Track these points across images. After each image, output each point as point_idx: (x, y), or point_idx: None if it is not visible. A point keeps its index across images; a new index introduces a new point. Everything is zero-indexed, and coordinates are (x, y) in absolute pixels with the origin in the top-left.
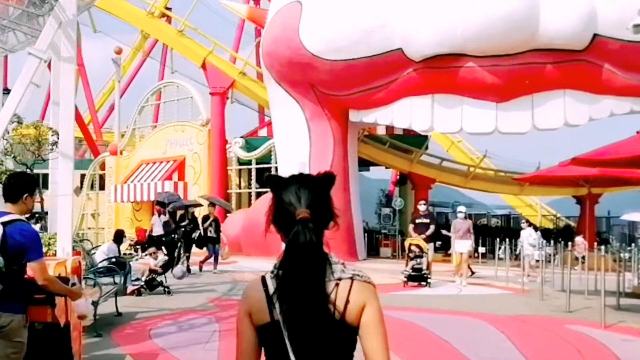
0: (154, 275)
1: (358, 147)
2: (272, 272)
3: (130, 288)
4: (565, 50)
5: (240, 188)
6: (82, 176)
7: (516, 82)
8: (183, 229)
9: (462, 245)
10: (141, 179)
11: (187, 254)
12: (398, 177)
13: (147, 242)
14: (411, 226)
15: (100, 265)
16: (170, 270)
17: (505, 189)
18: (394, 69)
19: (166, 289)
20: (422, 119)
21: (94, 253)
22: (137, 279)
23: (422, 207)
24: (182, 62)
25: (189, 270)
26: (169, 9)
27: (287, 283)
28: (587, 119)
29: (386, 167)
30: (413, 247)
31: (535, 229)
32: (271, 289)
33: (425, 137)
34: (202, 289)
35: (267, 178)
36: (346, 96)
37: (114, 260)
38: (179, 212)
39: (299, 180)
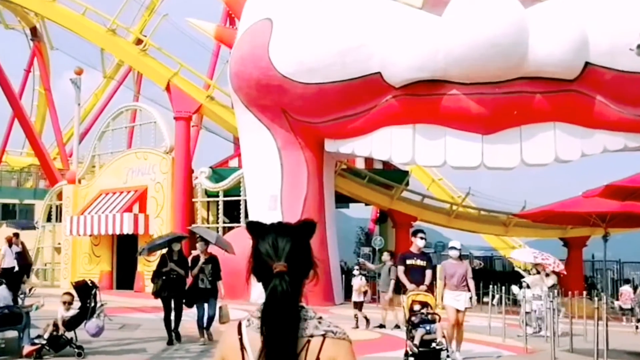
0: (59, 332)
1: (335, 180)
2: (247, 320)
3: (27, 348)
4: (556, 79)
5: (208, 222)
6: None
7: (503, 112)
8: (165, 277)
9: (457, 298)
10: (99, 211)
11: (177, 314)
12: (378, 214)
13: None
14: (400, 269)
15: None
16: (83, 323)
17: (489, 229)
18: (371, 95)
19: (77, 349)
20: (403, 150)
21: None
22: (39, 336)
23: (420, 242)
24: (149, 85)
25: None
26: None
27: (267, 338)
28: (579, 155)
29: (365, 204)
30: (416, 305)
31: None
32: (245, 337)
33: (406, 173)
34: (126, 348)
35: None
36: (321, 123)
37: (6, 311)
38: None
39: (277, 230)
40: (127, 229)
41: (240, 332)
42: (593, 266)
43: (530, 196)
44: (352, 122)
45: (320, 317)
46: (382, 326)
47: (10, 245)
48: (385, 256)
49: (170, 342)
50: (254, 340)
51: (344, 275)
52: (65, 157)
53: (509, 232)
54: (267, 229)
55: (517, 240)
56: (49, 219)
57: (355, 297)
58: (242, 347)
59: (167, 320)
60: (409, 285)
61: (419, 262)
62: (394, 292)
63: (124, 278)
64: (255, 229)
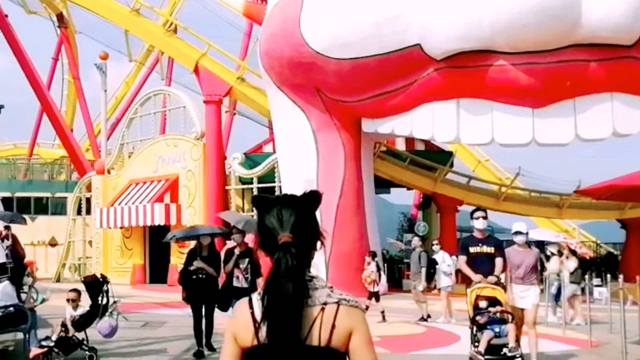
0: (68, 333)
1: (375, 163)
2: (258, 293)
3: (34, 351)
4: (612, 45)
5: (243, 211)
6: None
7: (555, 83)
8: (195, 277)
9: (523, 294)
10: (129, 202)
11: (208, 323)
12: (421, 199)
13: None
14: (462, 259)
15: None
16: (95, 322)
17: (540, 212)
18: (411, 69)
19: (88, 352)
20: (446, 128)
21: None
22: (47, 338)
23: (480, 224)
24: (183, 71)
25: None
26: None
27: (269, 309)
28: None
29: (407, 188)
30: (482, 302)
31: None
32: (257, 311)
33: (450, 153)
34: (144, 349)
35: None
36: (357, 102)
37: (11, 309)
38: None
39: (282, 201)
40: (159, 220)
41: (251, 306)
42: None
43: (584, 177)
44: (390, 100)
45: (332, 287)
46: (424, 319)
47: (2, 240)
48: (415, 241)
49: (198, 355)
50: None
51: (386, 264)
52: (96, 148)
53: (562, 214)
54: (271, 201)
55: (570, 223)
56: (79, 212)
57: (369, 288)
58: (255, 321)
59: (197, 328)
60: (475, 277)
61: (485, 249)
62: (426, 282)
63: (158, 271)
64: (260, 203)
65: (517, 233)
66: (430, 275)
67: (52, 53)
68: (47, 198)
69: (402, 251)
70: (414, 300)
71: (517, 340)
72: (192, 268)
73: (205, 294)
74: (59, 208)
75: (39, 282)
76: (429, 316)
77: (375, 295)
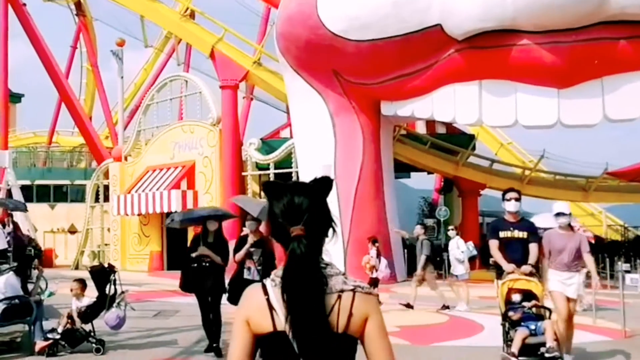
0: (75, 325)
1: (394, 147)
2: (272, 279)
3: (40, 344)
4: None
5: (260, 197)
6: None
7: (582, 62)
8: (196, 265)
9: (568, 282)
10: (146, 188)
11: (215, 318)
12: (442, 183)
13: None
14: (493, 244)
15: None
16: (102, 313)
17: (566, 195)
18: (431, 49)
19: (95, 344)
20: (468, 110)
21: None
22: (53, 330)
23: (512, 206)
24: (198, 56)
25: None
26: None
27: (292, 300)
28: None
29: (428, 173)
30: (515, 295)
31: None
32: (272, 297)
33: (472, 136)
34: (154, 341)
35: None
36: (376, 85)
37: (16, 301)
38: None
39: (293, 189)
40: (176, 207)
41: (266, 292)
42: None
43: (610, 159)
44: (410, 81)
45: (345, 274)
46: (409, 305)
47: (3, 227)
48: (417, 230)
49: (209, 349)
50: (281, 299)
51: (406, 250)
52: (115, 136)
53: (589, 197)
54: (282, 188)
55: (596, 206)
56: (97, 199)
57: (368, 274)
58: (271, 307)
59: (205, 321)
60: (507, 266)
61: (517, 234)
62: (422, 269)
63: (175, 258)
64: (271, 189)
65: (560, 214)
66: (436, 263)
67: (71, 41)
68: (67, 186)
69: (409, 239)
70: (411, 284)
71: (556, 339)
72: (194, 255)
73: (211, 284)
74: (79, 195)
75: (57, 270)
76: (446, 307)
77: (373, 281)
